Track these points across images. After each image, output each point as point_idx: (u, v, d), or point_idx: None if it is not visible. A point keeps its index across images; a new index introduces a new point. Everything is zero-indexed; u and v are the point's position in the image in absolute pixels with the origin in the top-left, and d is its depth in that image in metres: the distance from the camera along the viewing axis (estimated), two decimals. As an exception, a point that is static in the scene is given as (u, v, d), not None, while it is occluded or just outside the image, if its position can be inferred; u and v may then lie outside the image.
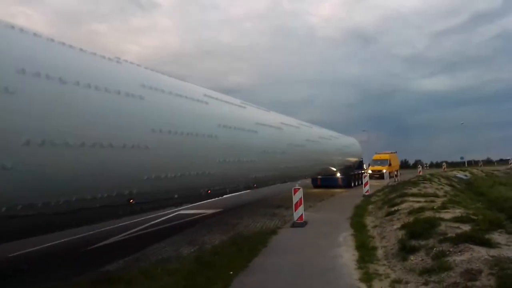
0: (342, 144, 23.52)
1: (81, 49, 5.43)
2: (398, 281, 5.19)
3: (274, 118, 13.24)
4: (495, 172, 36.35)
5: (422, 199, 11.48)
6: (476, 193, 20.65)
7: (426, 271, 5.17)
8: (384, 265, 6.12)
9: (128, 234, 9.91)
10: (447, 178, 24.69)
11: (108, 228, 9.99)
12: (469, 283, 4.35)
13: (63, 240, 8.78)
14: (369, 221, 10.59)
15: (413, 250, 6.19)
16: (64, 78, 4.66)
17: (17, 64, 4.14)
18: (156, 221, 11.85)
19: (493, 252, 5.09)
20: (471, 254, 5.14)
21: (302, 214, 10.19)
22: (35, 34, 4.77)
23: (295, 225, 10.03)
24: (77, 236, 9.10)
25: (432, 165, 62.71)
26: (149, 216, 11.44)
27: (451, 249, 5.58)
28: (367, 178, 18.62)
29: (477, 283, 4.31)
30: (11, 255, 7.60)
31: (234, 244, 7.83)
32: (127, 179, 5.80)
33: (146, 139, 5.93)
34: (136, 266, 6.61)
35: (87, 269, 6.45)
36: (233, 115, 9.80)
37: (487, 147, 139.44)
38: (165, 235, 9.23)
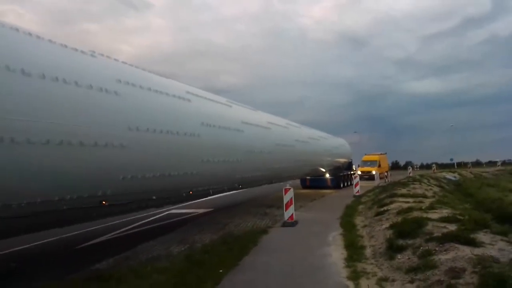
0: (332, 145, 23.57)
1: (50, 41, 5.19)
2: (384, 279, 5.29)
3: (261, 117, 13.03)
4: (484, 173, 36.90)
5: (411, 200, 11.64)
6: (464, 194, 20.95)
7: (412, 270, 5.28)
8: (372, 263, 6.22)
9: (118, 233, 9.90)
10: (436, 179, 24.99)
11: (99, 226, 9.97)
12: (452, 281, 4.46)
13: (53, 239, 8.75)
14: (358, 220, 10.71)
15: (400, 249, 6.30)
16: (27, 70, 4.41)
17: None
18: (147, 220, 11.84)
19: (477, 251, 5.21)
20: (456, 253, 5.25)
21: (292, 214, 10.28)
22: None
23: (285, 224, 10.10)
24: (68, 235, 9.06)
25: (422, 167, 63.36)
26: (140, 215, 11.43)
27: (437, 248, 5.69)
28: (357, 179, 18.80)
29: (461, 281, 4.42)
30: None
31: (224, 243, 7.88)
32: (100, 179, 5.52)
33: (122, 137, 5.68)
34: (126, 264, 6.62)
35: (78, 268, 6.45)
36: (217, 113, 9.52)
37: (477, 149, 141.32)
38: (156, 234, 9.24)
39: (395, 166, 69.98)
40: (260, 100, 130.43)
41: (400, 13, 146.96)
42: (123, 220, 10.97)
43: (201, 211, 13.90)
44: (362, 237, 8.42)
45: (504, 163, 58.42)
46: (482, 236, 6.09)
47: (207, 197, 10.51)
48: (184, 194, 8.40)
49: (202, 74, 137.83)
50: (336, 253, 6.97)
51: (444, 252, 5.45)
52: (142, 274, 5.73)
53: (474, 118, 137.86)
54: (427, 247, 5.86)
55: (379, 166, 34.92)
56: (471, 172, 36.48)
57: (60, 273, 6.12)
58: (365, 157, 37.93)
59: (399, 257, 6.02)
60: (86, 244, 8.61)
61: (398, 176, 29.62)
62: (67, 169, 4.89)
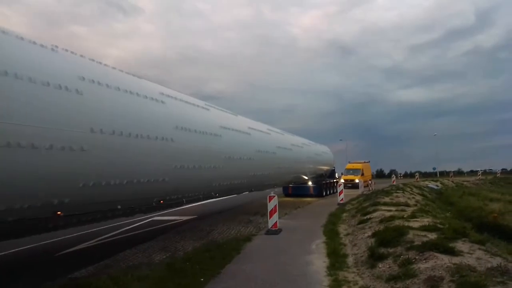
0: (314, 152, 23.28)
1: (3, 32, 4.79)
2: (365, 288, 5.32)
3: (241, 122, 12.61)
4: (465, 182, 37.57)
5: (393, 208, 11.79)
6: (446, 202, 21.31)
7: (392, 278, 5.33)
8: (353, 272, 6.26)
9: (99, 240, 9.72)
10: (419, 188, 25.34)
11: (79, 233, 9.77)
12: (431, 290, 4.52)
13: (32, 246, 8.53)
14: (342, 229, 10.77)
15: (382, 257, 6.36)
16: None
17: None
18: (129, 227, 11.67)
19: (456, 259, 5.30)
20: (435, 262, 5.32)
21: (276, 222, 10.27)
22: None
23: (269, 232, 10.08)
24: (47, 242, 8.85)
25: (406, 175, 64.30)
26: (122, 222, 11.24)
27: (416, 257, 5.77)
28: (341, 187, 18.93)
29: (439, 289, 4.48)
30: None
31: (207, 251, 7.81)
32: (56, 186, 5.01)
33: (82, 140, 5.20)
34: (106, 272, 6.48)
35: (55, 276, 6.28)
36: (194, 117, 9.05)
37: (459, 159, 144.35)
38: (138, 242, 9.09)
39: (379, 175, 71.00)
40: (249, 107, 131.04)
41: (387, 24, 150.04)
42: (105, 227, 10.77)
43: (184, 218, 13.77)
44: (345, 245, 8.47)
45: (484, 172, 59.74)
46: (461, 245, 6.20)
47: (181, 206, 9.88)
48: (154, 203, 7.83)
49: (191, 80, 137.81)
50: (319, 261, 6.99)
51: (424, 261, 5.52)
52: (122, 282, 5.62)
53: (457, 128, 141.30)
54: (407, 256, 5.92)
55: (362, 174, 35.19)
56: (452, 181, 37.10)
57: (35, 281, 5.97)
58: (349, 166, 38.17)
59: (380, 266, 6.07)
60: (66, 251, 8.42)
61: (382, 184, 29.95)
62: (14, 175, 4.41)
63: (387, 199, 14.85)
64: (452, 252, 5.68)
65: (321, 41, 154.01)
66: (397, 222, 8.72)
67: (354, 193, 23.64)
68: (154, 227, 11.79)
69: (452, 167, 68.01)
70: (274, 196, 10.36)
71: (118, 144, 5.96)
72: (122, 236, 10.44)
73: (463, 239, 6.65)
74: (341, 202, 17.81)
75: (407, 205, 13.42)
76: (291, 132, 20.50)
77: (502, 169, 63.51)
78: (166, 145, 7.29)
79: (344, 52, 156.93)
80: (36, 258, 7.90)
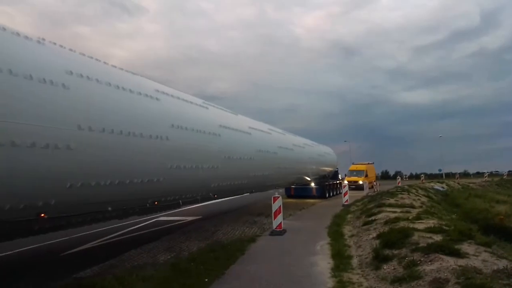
0: (317, 152, 22.93)
1: None
2: (370, 290, 5.31)
3: (241, 121, 12.36)
4: (471, 184, 37.34)
5: (398, 210, 11.74)
6: (451, 204, 21.18)
7: (397, 280, 5.31)
8: (358, 273, 6.24)
9: (105, 240, 9.77)
10: (424, 189, 25.22)
11: (84, 233, 9.83)
12: (436, 292, 4.50)
13: (37, 245, 8.60)
14: (346, 230, 10.75)
15: (386, 259, 6.34)
16: None
17: None
18: (134, 227, 11.72)
19: (461, 262, 5.27)
20: (440, 264, 5.30)
21: (281, 222, 10.27)
22: None
23: (274, 233, 10.09)
24: (53, 241, 8.91)
25: (411, 177, 64.01)
26: (127, 222, 11.29)
27: (422, 259, 5.74)
28: (346, 188, 18.88)
29: (444, 291, 4.46)
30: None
31: (211, 251, 7.83)
32: (40, 187, 4.71)
33: (69, 137, 4.90)
34: (111, 272, 6.52)
35: (60, 276, 6.32)
36: (191, 115, 8.72)
37: (465, 160, 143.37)
38: (143, 242, 9.13)
39: (384, 176, 70.69)
40: (252, 107, 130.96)
41: (391, 25, 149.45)
42: (110, 227, 10.83)
43: (190, 218, 13.82)
44: (349, 246, 8.44)
45: (491, 174, 59.28)
46: (466, 247, 6.16)
47: (177, 208, 9.54)
48: (148, 205, 7.53)
49: (194, 80, 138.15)
50: (323, 263, 6.98)
51: (429, 263, 5.50)
52: (127, 282, 5.66)
53: (462, 130, 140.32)
54: (412, 258, 5.89)
55: (366, 175, 34.72)
56: (458, 183, 36.88)
57: (40, 281, 6.02)
58: (352, 167, 37.65)
59: (385, 267, 6.05)
60: (71, 251, 8.48)
61: (388, 186, 29.82)
62: None
63: (392, 201, 14.80)
64: (457, 254, 5.66)
65: (324, 41, 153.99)
66: (402, 224, 8.69)
67: (358, 194, 23.53)
68: (160, 227, 11.84)
69: (458, 169, 67.47)
70: (279, 197, 10.36)
71: (108, 143, 5.65)
72: (128, 236, 10.49)
73: (469, 241, 6.60)
74: (345, 203, 17.78)
75: (413, 206, 13.35)
76: (294, 132, 20.34)
77: (509, 171, 62.82)
78: (161, 144, 6.98)
79: (348, 53, 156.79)
80: (41, 258, 7.96)
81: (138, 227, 11.79)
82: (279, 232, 10.08)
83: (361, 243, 8.36)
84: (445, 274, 4.89)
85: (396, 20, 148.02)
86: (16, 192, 4.47)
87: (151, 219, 12.98)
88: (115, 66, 7.10)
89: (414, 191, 21.54)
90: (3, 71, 4.22)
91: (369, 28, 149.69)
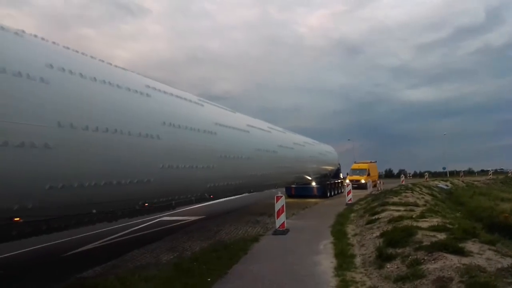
0: (318, 151, 22.64)
1: None
2: (373, 289, 5.28)
3: (239, 119, 12.06)
4: (475, 182, 37.13)
5: (402, 208, 11.69)
6: (456, 202, 21.11)
7: (400, 279, 5.27)
8: (361, 272, 6.21)
9: (107, 240, 9.79)
10: (428, 187, 25.12)
11: (87, 234, 9.85)
12: (440, 291, 4.46)
13: (40, 246, 8.62)
14: (350, 229, 10.70)
15: (390, 258, 6.30)
16: None
17: None
18: (137, 227, 11.74)
19: (465, 260, 5.23)
20: (444, 262, 5.26)
21: (284, 222, 10.24)
22: None
23: (277, 232, 10.06)
24: (56, 242, 8.93)
25: (415, 175, 63.69)
26: (129, 223, 11.31)
27: (425, 257, 5.70)
28: (349, 187, 18.82)
29: (448, 290, 4.42)
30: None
31: (214, 251, 7.82)
32: (13, 189, 4.36)
33: (47, 135, 4.57)
34: (114, 272, 6.52)
35: (63, 276, 6.33)
36: (185, 112, 8.39)
37: (469, 158, 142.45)
38: (146, 242, 9.14)
39: (388, 175, 70.45)
40: (255, 107, 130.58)
41: (394, 22, 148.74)
42: (112, 227, 10.82)
43: (192, 218, 13.83)
44: (352, 245, 8.40)
45: (495, 172, 58.93)
46: (470, 245, 6.11)
47: (169, 210, 9.14)
48: (137, 207, 7.15)
49: (198, 81, 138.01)
50: (326, 262, 6.95)
51: (433, 261, 5.46)
52: (129, 283, 5.65)
53: (466, 127, 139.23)
54: (416, 256, 5.86)
55: (369, 174, 34.47)
56: (463, 181, 36.72)
57: (43, 282, 6.02)
58: (354, 165, 37.45)
59: (388, 266, 6.01)
60: (73, 251, 8.50)
61: (391, 184, 29.70)
62: None
63: (395, 199, 14.74)
64: (461, 252, 5.61)
65: (328, 40, 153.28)
66: (405, 222, 8.64)
67: (360, 193, 23.45)
68: (162, 227, 11.85)
69: (462, 167, 67.27)
70: (282, 196, 10.33)
71: (93, 141, 5.32)
72: (130, 236, 10.51)
73: (473, 239, 6.55)
74: (349, 202, 17.72)
75: (416, 205, 13.30)
76: (297, 131, 20.22)
77: (514, 169, 62.48)
78: (151, 143, 6.64)
79: (351, 51, 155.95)
80: (44, 259, 7.98)
81: (141, 227, 11.80)
82: (282, 232, 10.05)
83: (365, 242, 8.32)
84: (449, 273, 4.85)
85: (399, 18, 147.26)
86: None
87: (154, 219, 12.99)
88: (102, 61, 6.72)
89: (418, 189, 21.46)
90: None
91: (372, 26, 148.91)
